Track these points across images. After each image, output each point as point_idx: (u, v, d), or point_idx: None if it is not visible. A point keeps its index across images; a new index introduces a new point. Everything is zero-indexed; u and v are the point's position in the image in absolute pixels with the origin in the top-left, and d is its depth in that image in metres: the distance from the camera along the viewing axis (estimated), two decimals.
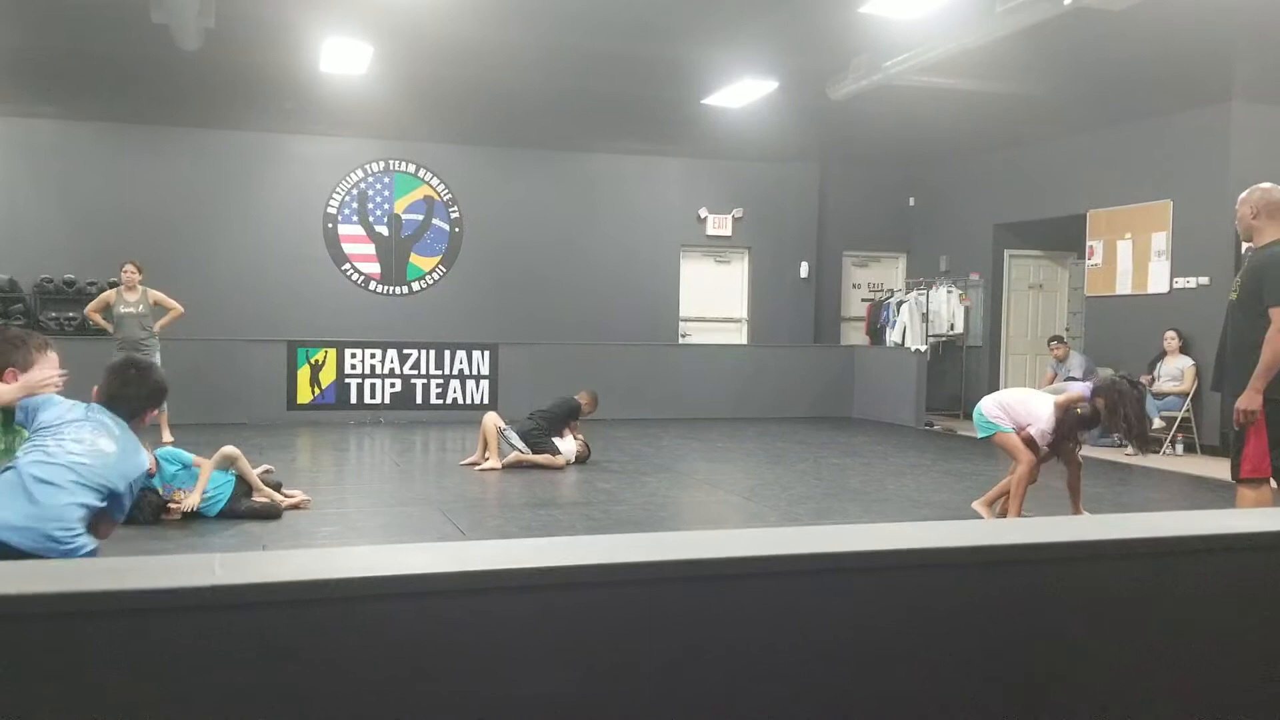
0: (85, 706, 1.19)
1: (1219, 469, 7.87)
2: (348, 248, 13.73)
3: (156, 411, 3.81)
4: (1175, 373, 10.83)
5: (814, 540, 1.62)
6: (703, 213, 14.90)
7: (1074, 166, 12.60)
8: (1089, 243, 12.34)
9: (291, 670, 1.26)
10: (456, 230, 14.07)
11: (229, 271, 13.10)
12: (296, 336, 12.54)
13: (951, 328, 14.22)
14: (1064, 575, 1.61)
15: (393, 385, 12.69)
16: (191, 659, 1.22)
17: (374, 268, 13.83)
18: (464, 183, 14.03)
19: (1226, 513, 2.15)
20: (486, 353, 13.00)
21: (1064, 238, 13.47)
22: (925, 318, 14.09)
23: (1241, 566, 1.70)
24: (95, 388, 3.75)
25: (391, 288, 13.91)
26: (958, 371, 14.42)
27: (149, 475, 4.70)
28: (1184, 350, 10.87)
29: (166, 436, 9.20)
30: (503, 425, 8.87)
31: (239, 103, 11.86)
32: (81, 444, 3.46)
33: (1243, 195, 5.05)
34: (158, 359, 9.72)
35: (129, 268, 9.65)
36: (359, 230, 13.77)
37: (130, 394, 3.70)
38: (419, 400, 12.75)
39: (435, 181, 13.99)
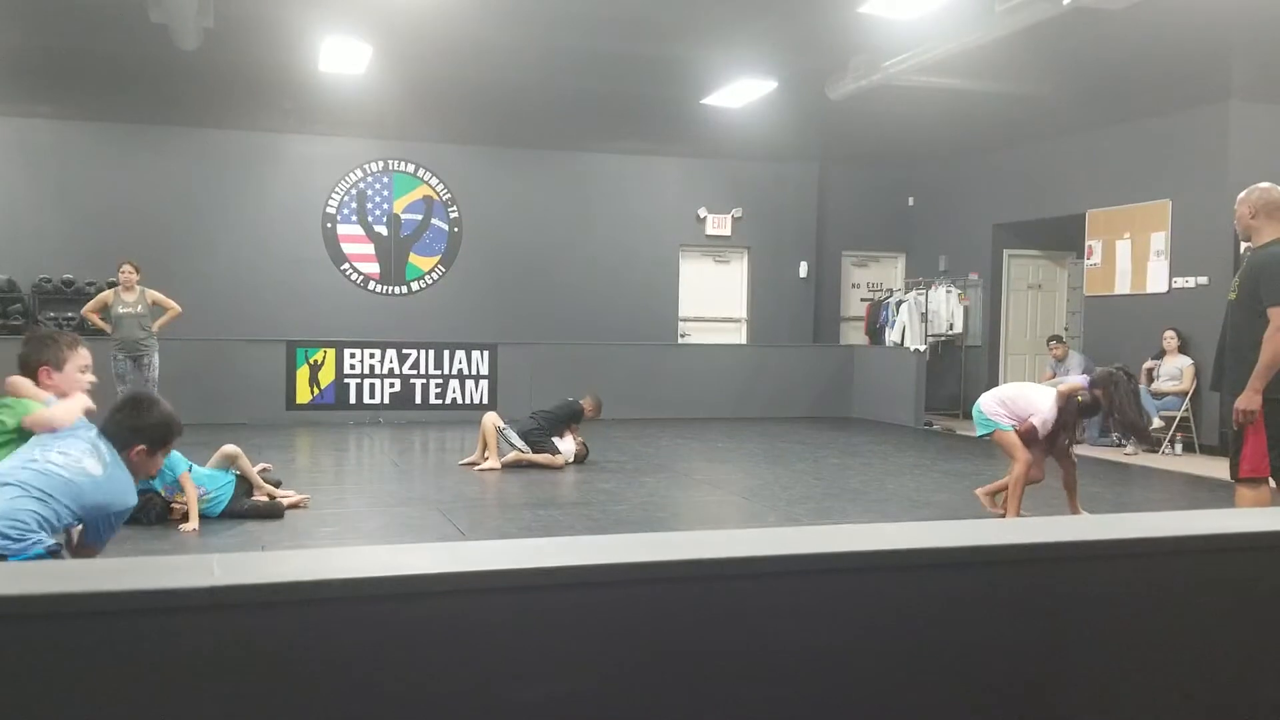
0: (85, 707, 1.19)
1: (1218, 469, 7.87)
2: (347, 248, 13.72)
3: (157, 453, 3.61)
4: (1174, 372, 10.84)
5: (814, 540, 1.62)
6: (702, 212, 14.90)
7: (1073, 166, 12.61)
8: (1088, 242, 12.34)
9: (291, 671, 1.26)
10: (455, 230, 14.07)
11: (228, 271, 13.08)
12: (295, 336, 12.54)
13: (951, 327, 14.22)
14: (1063, 575, 1.61)
15: (392, 385, 12.68)
16: (191, 660, 1.22)
17: (373, 268, 13.83)
18: (463, 183, 14.03)
19: (1226, 513, 2.15)
20: (486, 353, 13.00)
21: (1063, 237, 13.48)
22: (924, 317, 14.09)
23: (1241, 566, 1.70)
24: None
25: (391, 288, 13.91)
26: (957, 371, 14.42)
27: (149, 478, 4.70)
28: (1183, 350, 10.88)
29: None
30: (502, 424, 8.87)
31: (238, 102, 11.86)
32: (67, 457, 3.41)
33: (1241, 195, 5.05)
34: (156, 359, 9.74)
35: (127, 268, 9.62)
36: (358, 230, 13.76)
37: (118, 420, 3.59)
38: (418, 400, 12.75)
39: (434, 181, 13.98)
